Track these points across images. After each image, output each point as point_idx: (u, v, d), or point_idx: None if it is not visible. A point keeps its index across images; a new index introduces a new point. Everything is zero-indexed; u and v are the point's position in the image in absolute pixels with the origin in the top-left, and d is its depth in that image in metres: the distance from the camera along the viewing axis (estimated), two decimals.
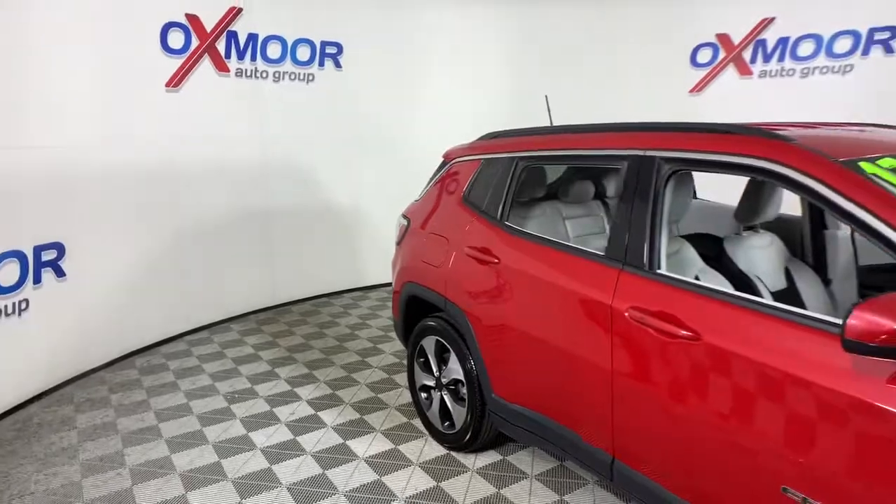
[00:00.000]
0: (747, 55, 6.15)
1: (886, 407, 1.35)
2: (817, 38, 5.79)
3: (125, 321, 4.38)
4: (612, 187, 3.09)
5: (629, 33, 6.42)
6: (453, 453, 3.05)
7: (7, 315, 3.53)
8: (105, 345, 4.27)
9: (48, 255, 3.78)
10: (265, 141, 5.33)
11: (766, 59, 6.08)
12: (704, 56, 6.35)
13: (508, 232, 2.63)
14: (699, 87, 6.40)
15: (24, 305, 3.63)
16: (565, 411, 2.32)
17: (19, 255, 3.57)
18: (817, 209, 2.76)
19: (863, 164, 1.64)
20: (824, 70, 5.81)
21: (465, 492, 2.72)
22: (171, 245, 4.68)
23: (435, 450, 3.09)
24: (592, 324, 2.10)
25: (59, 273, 3.88)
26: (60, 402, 3.73)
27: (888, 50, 5.43)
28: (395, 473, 2.88)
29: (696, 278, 2.25)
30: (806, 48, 5.87)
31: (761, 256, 2.56)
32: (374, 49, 5.79)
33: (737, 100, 6.25)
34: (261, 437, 3.24)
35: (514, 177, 2.72)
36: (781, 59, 6.01)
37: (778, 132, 1.82)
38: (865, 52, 5.58)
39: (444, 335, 2.96)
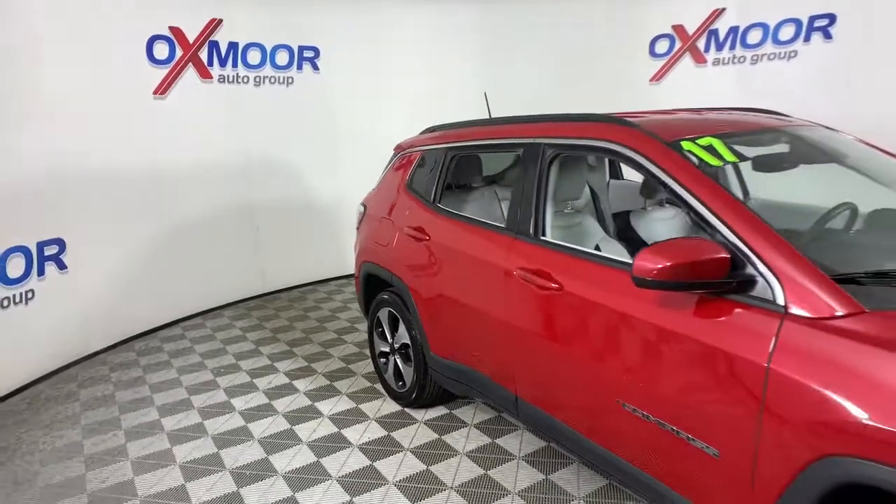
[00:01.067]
0: (701, 44, 6.51)
1: (683, 332, 1.76)
2: (764, 27, 6.14)
3: (123, 309, 4.84)
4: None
5: (593, 27, 6.78)
6: (407, 410, 3.48)
7: (15, 304, 3.99)
8: (105, 330, 4.73)
9: (50, 251, 4.24)
10: (249, 141, 5.75)
11: (719, 47, 6.43)
12: (662, 47, 6.71)
13: (438, 213, 3.05)
14: (658, 77, 6.77)
15: (30, 295, 4.09)
16: (482, 360, 2.75)
17: (24, 251, 4.02)
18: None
19: (683, 143, 2.04)
20: (772, 56, 6.16)
21: (411, 438, 3.15)
22: (165, 239, 5.13)
23: (391, 407, 3.52)
24: (494, 284, 2.52)
25: (61, 266, 4.34)
26: (65, 381, 4.19)
27: (826, 36, 5.76)
28: (354, 427, 3.31)
29: (597, 247, 2.67)
30: (754, 36, 6.21)
31: (663, 227, 2.95)
32: (350, 51, 6.20)
33: (693, 87, 6.61)
34: (240, 403, 3.68)
35: (445, 165, 3.13)
36: (732, 47, 6.36)
37: (628, 119, 2.23)
38: (807, 39, 5.92)
39: (395, 306, 3.39)
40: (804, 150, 2.41)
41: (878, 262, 1.91)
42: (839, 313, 1.48)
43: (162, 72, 5.01)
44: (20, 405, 3.82)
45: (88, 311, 4.57)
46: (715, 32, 6.43)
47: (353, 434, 3.23)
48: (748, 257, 1.66)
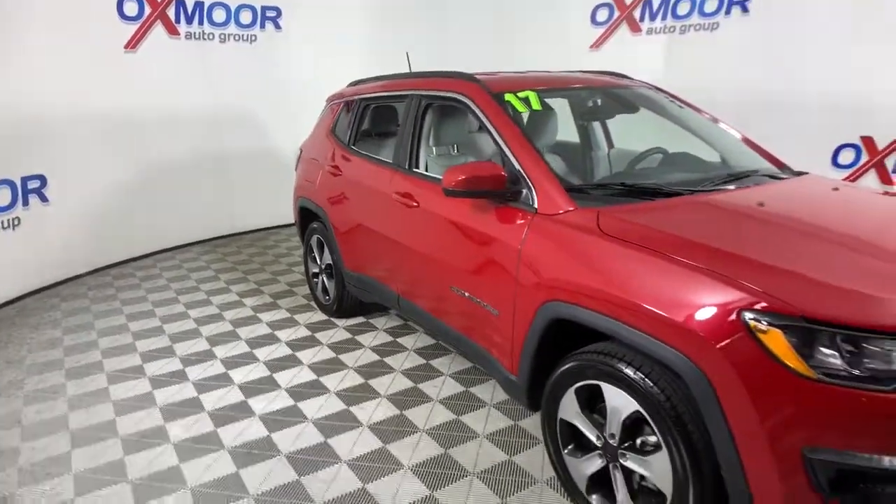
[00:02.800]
0: (637, 14, 7.08)
1: (479, 229, 2.46)
2: None
3: (101, 240, 5.51)
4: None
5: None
6: (332, 319, 4.21)
7: (3, 228, 4.66)
8: (85, 257, 5.41)
9: (33, 185, 4.89)
10: (217, 94, 6.34)
11: (652, 17, 7.00)
12: (602, 15, 7.27)
13: (350, 153, 3.72)
14: (598, 44, 7.35)
15: (16, 222, 4.76)
16: (377, 269, 3.46)
17: (10, 183, 4.67)
18: (584, 134, 3.76)
19: (507, 96, 2.71)
20: (697, 27, 6.73)
21: (329, 337, 3.89)
22: (139, 180, 5.78)
23: (319, 317, 4.25)
24: (381, 207, 3.22)
25: (43, 199, 5.00)
26: (49, 296, 4.90)
27: (744, 9, 6.35)
28: (286, 330, 4.04)
29: None
30: (683, 8, 6.78)
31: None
32: (309, 10, 6.75)
33: (630, 54, 7.19)
34: (195, 313, 4.41)
35: (358, 113, 3.79)
36: (664, 17, 6.93)
37: (474, 76, 2.89)
38: (728, 12, 6.50)
39: (321, 233, 4.08)
40: (611, 103, 3.10)
41: (606, 179, 2.62)
42: (562, 210, 2.19)
43: (132, 28, 5.58)
44: (10, 312, 4.53)
45: (69, 239, 5.24)
46: (649, 3, 6.99)
47: (283, 334, 3.97)
48: (521, 176, 2.36)
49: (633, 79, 3.49)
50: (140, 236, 5.93)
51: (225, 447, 2.74)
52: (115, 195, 5.62)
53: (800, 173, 2.76)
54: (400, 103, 3.35)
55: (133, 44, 5.59)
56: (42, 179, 4.97)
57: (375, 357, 3.59)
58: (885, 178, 5.47)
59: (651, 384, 1.80)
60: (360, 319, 4.17)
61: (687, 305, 1.70)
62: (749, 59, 6.30)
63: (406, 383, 3.27)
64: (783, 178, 2.60)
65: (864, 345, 1.51)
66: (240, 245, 6.38)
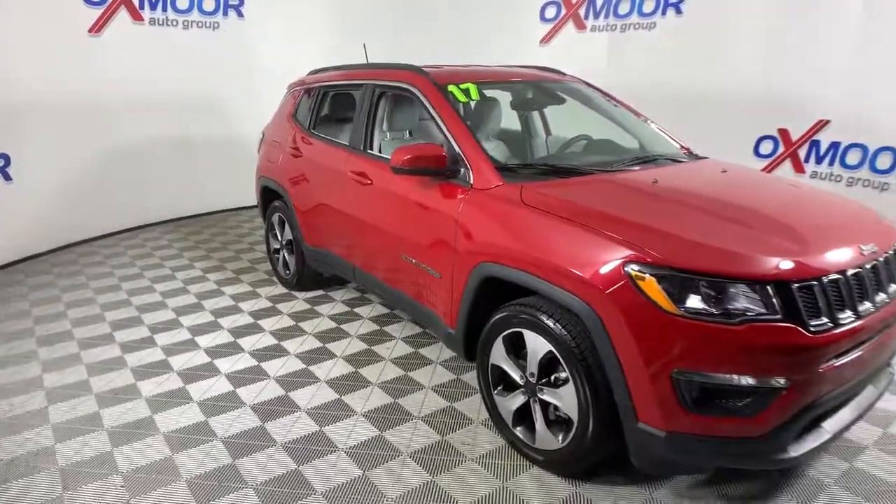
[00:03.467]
0: (582, 12, 7.50)
1: (424, 203, 2.81)
2: (631, 0, 7.16)
3: (64, 219, 5.65)
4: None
5: None
6: (292, 292, 4.50)
7: None
8: (48, 236, 5.55)
9: None
10: (181, 79, 6.49)
11: (596, 16, 7.43)
12: (550, 12, 7.68)
13: (310, 136, 4.01)
14: (547, 39, 7.75)
15: None
16: (335, 243, 3.77)
17: None
18: (526, 123, 4.12)
19: (450, 87, 3.06)
20: (636, 26, 7.18)
21: (290, 308, 4.19)
22: (104, 162, 5.93)
23: (280, 290, 4.54)
24: (338, 185, 3.53)
25: (7, 177, 5.12)
26: (13, 273, 5.04)
27: (678, 11, 6.83)
28: (249, 301, 4.31)
29: None
30: (624, 7, 7.22)
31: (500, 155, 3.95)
32: (271, 1, 6.95)
33: (576, 50, 7.61)
34: (160, 287, 4.64)
35: (318, 99, 4.08)
36: (607, 16, 7.36)
37: (422, 68, 3.22)
38: (664, 13, 6.98)
39: (282, 211, 4.37)
40: (542, 95, 3.49)
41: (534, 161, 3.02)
42: (493, 186, 2.56)
43: (96, 12, 5.71)
44: None
45: (32, 217, 5.38)
46: (593, 2, 7.42)
47: (245, 305, 4.25)
48: (459, 156, 2.71)
49: (565, 74, 3.88)
50: (103, 216, 6.08)
51: (194, 400, 3.03)
52: (79, 175, 5.77)
53: (699, 157, 3.19)
54: (356, 91, 3.66)
55: (97, 28, 5.73)
56: (6, 158, 5.10)
57: (333, 324, 3.91)
58: (798, 166, 6.04)
59: (561, 329, 2.19)
60: (319, 292, 4.47)
61: (586, 261, 2.09)
62: (682, 56, 6.80)
63: (361, 346, 3.60)
64: (683, 162, 3.02)
65: (718, 289, 1.91)
66: (203, 225, 6.58)
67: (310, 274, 4.30)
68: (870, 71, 5.29)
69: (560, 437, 2.31)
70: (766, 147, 6.30)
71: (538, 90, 3.58)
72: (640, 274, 1.95)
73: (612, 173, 2.69)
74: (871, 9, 5.20)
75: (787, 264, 1.94)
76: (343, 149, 3.59)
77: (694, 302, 1.92)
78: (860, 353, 2.06)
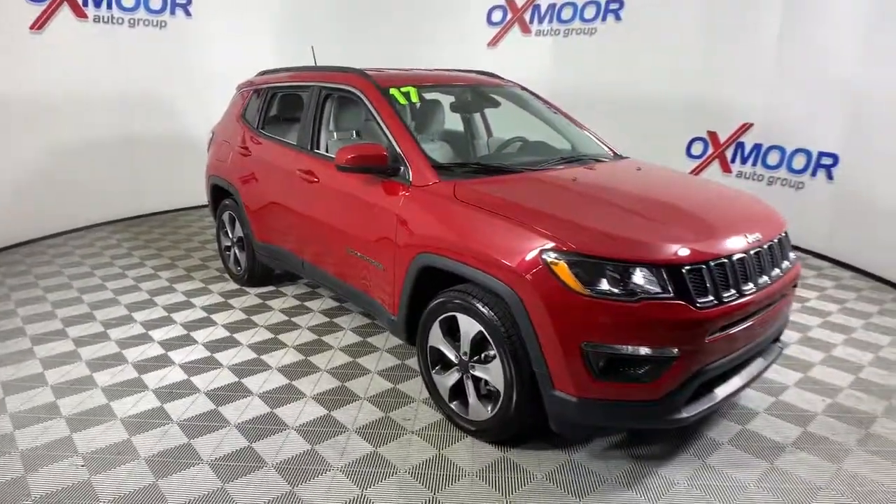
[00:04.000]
0: (528, 17, 7.83)
1: (368, 199, 3.03)
2: (574, 6, 7.52)
3: (7, 220, 5.62)
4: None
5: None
6: (244, 287, 4.65)
7: None
8: None
9: None
10: (127, 78, 6.50)
11: (541, 20, 7.77)
12: (497, 16, 7.98)
13: (258, 135, 4.18)
14: (494, 42, 8.05)
15: None
16: (284, 239, 3.95)
17: None
18: (468, 125, 4.37)
19: (391, 90, 3.28)
20: (578, 31, 7.57)
21: (242, 302, 4.34)
22: (50, 161, 5.90)
23: (232, 286, 4.68)
24: (287, 183, 3.72)
25: None
26: None
27: (617, 17, 7.23)
28: (201, 297, 4.44)
29: None
30: (567, 13, 7.59)
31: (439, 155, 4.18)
32: (219, 1, 7.02)
33: (522, 53, 7.92)
34: (112, 285, 4.71)
35: (267, 100, 4.25)
36: (551, 21, 7.72)
37: (365, 72, 3.44)
38: (604, 19, 7.38)
39: (233, 209, 4.51)
40: (478, 99, 3.76)
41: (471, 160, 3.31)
42: (430, 183, 2.80)
43: (38, 9, 5.69)
44: None
45: None
46: (538, 7, 7.76)
47: (197, 300, 4.38)
48: (400, 156, 2.95)
49: (504, 79, 4.16)
50: (49, 216, 6.06)
51: (149, 388, 3.17)
52: (24, 174, 5.75)
53: (622, 158, 3.51)
54: (304, 93, 3.84)
55: (39, 25, 5.71)
56: None
57: (284, 317, 4.09)
58: (725, 167, 6.51)
59: (490, 311, 2.45)
60: (271, 288, 4.64)
61: (509, 250, 2.36)
62: (621, 61, 7.20)
63: (311, 336, 3.80)
64: (605, 162, 3.33)
65: (620, 272, 2.21)
66: (152, 225, 6.62)
67: (261, 270, 4.46)
68: (786, 81, 5.77)
69: (489, 408, 2.57)
70: (696, 148, 6.77)
71: (476, 94, 3.84)
72: (554, 260, 2.23)
73: (538, 172, 2.98)
74: (788, 27, 5.67)
75: (679, 250, 2.25)
76: (291, 148, 3.77)
77: (600, 284, 2.21)
78: (744, 327, 2.40)
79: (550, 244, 2.26)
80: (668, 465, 2.56)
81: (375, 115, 3.16)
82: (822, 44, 5.38)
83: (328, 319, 4.05)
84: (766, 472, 2.53)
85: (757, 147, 6.19)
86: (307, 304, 4.33)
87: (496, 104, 3.83)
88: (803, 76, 5.62)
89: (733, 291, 2.33)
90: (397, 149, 2.97)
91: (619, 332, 2.21)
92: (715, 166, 6.58)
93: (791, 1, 5.64)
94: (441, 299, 2.68)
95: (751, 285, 2.41)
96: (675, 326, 2.20)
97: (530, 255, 2.28)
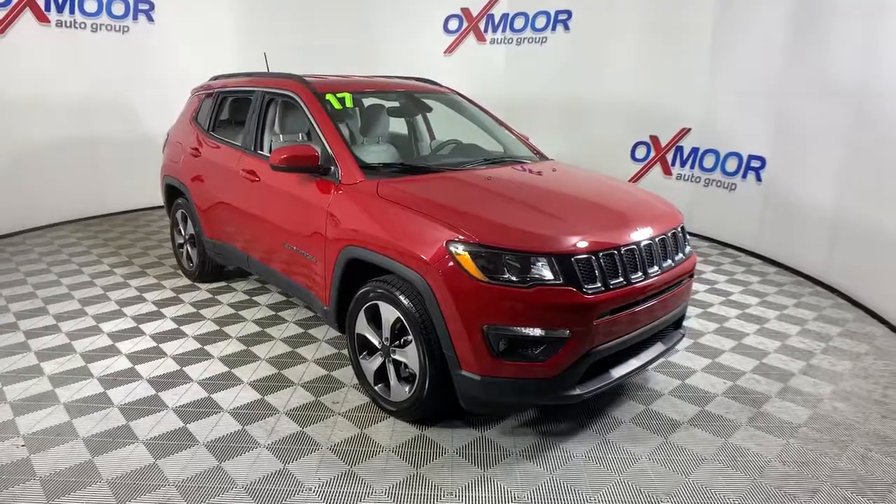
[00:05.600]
0: (482, 26, 8.10)
1: (302, 196, 3.24)
2: (526, 16, 7.81)
3: None
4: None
5: (397, 2, 8.17)
6: (196, 283, 4.81)
7: None
8: None
9: None
10: (89, 82, 6.62)
11: (494, 29, 8.05)
12: (453, 25, 8.24)
13: (208, 137, 4.36)
14: (450, 50, 8.30)
15: None
16: (230, 235, 4.14)
17: None
18: (412, 128, 4.59)
19: (328, 95, 3.50)
20: (530, 40, 7.86)
21: (192, 297, 4.51)
22: (8, 161, 6.01)
23: (184, 282, 4.84)
24: (232, 182, 3.90)
25: None
26: None
27: (566, 28, 7.53)
28: (154, 292, 4.60)
29: None
30: (519, 22, 7.88)
31: (375, 156, 4.40)
32: (182, 6, 7.17)
33: (477, 60, 8.18)
34: (66, 280, 4.84)
35: (217, 103, 4.43)
36: (504, 30, 7.99)
37: (304, 77, 3.65)
38: (553, 28, 7.68)
39: (185, 208, 4.68)
40: (412, 104, 3.99)
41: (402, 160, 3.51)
42: (357, 181, 3.02)
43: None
44: None
45: None
46: (492, 17, 8.03)
47: (151, 295, 4.54)
48: (330, 157, 3.16)
49: (440, 85, 4.40)
50: (9, 215, 6.14)
51: (94, 376, 3.33)
52: None
53: (546, 159, 3.77)
54: (250, 97, 4.04)
55: (1, 29, 5.81)
56: None
57: (231, 311, 4.27)
58: (666, 169, 6.84)
59: (406, 298, 2.67)
60: (222, 283, 4.81)
61: (420, 241, 2.58)
62: (569, 68, 7.51)
63: (255, 328, 3.99)
64: (526, 163, 3.58)
65: (516, 260, 2.45)
66: (111, 224, 6.73)
67: (212, 266, 4.63)
68: (719, 88, 6.12)
69: (408, 389, 2.79)
70: (640, 152, 7.08)
71: (411, 99, 4.07)
72: (458, 251, 2.46)
73: (458, 171, 3.21)
74: (720, 38, 6.01)
75: (570, 242, 2.49)
76: (237, 149, 3.96)
77: (498, 271, 2.44)
78: (633, 311, 2.65)
79: (455, 236, 2.49)
80: (571, 441, 2.80)
81: (310, 118, 3.37)
82: (748, 53, 5.73)
83: (273, 313, 4.24)
84: (658, 446, 2.78)
85: (694, 150, 6.52)
86: (255, 298, 4.51)
87: (429, 109, 4.07)
88: (733, 83, 5.97)
89: (621, 279, 2.58)
90: (329, 150, 3.19)
91: (516, 315, 2.44)
92: (657, 169, 6.90)
93: (722, 16, 5.99)
94: (365, 289, 2.89)
95: (640, 274, 2.66)
96: (565, 310, 2.43)
97: (438, 247, 2.51)
